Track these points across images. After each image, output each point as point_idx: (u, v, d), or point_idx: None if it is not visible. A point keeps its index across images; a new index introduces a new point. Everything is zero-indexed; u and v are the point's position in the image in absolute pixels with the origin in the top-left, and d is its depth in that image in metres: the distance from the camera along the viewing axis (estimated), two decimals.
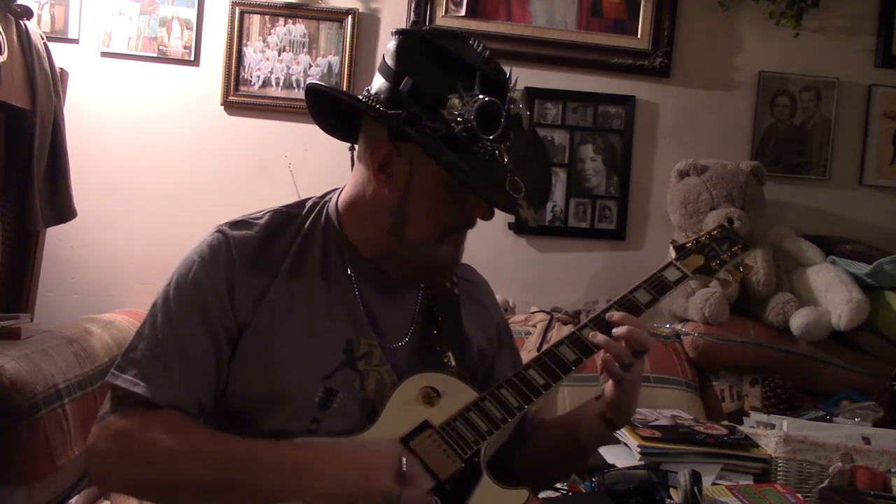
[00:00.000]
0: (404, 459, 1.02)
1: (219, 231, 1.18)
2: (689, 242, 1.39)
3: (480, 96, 1.08)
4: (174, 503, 1.09)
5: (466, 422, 1.11)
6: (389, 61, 1.14)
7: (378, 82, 1.15)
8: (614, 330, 1.18)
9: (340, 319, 1.17)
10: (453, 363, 1.20)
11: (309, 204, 1.26)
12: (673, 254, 1.37)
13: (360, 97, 1.16)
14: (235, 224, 1.19)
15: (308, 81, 1.17)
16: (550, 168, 1.27)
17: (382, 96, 1.12)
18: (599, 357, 1.19)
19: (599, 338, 1.18)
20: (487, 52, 1.14)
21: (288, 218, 1.22)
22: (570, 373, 1.18)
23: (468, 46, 1.14)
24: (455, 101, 1.08)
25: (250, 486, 1.02)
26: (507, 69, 1.16)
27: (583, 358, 1.19)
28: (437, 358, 1.21)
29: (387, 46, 1.16)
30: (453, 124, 1.07)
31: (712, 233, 1.42)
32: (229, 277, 1.13)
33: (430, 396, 1.13)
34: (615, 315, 1.20)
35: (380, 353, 1.17)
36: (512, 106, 1.12)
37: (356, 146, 1.22)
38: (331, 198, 1.26)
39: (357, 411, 1.13)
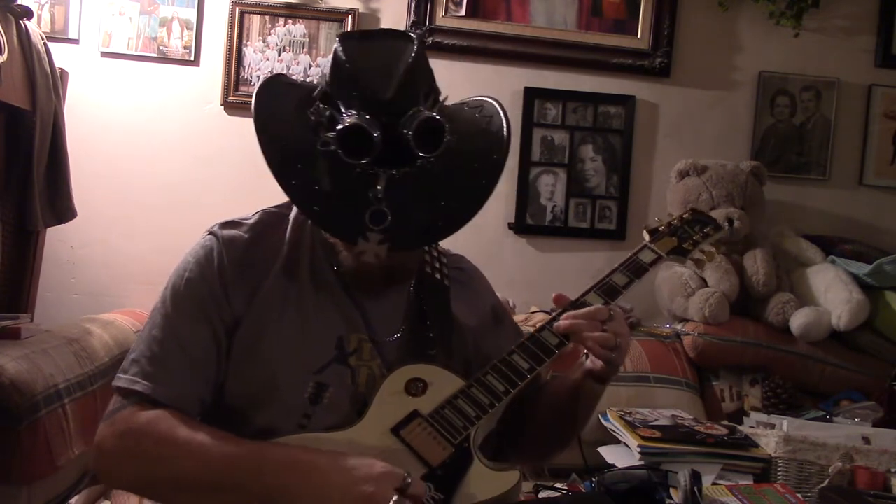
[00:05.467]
0: (407, 474, 1.02)
1: (210, 233, 1.21)
2: (661, 226, 1.43)
3: (348, 118, 1.06)
4: (176, 501, 1.10)
5: (455, 409, 1.13)
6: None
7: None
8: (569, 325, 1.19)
9: (331, 316, 1.19)
10: (441, 354, 1.22)
11: None
12: (647, 237, 1.40)
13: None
14: (226, 224, 1.22)
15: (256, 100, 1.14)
16: (467, 207, 1.12)
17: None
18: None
19: (562, 325, 1.19)
20: (406, 65, 1.09)
21: (277, 218, 1.25)
22: (554, 356, 1.19)
23: (379, 56, 1.11)
24: (333, 117, 1.09)
25: (248, 488, 1.02)
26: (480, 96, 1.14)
27: (565, 342, 1.20)
28: (426, 350, 1.22)
29: None
30: (323, 145, 1.07)
31: (683, 216, 1.46)
32: (222, 275, 1.16)
33: (418, 387, 1.15)
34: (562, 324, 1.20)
35: (370, 348, 1.19)
36: (406, 129, 1.06)
37: None
38: None
39: (348, 406, 1.15)
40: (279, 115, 1.15)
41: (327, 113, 1.10)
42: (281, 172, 1.08)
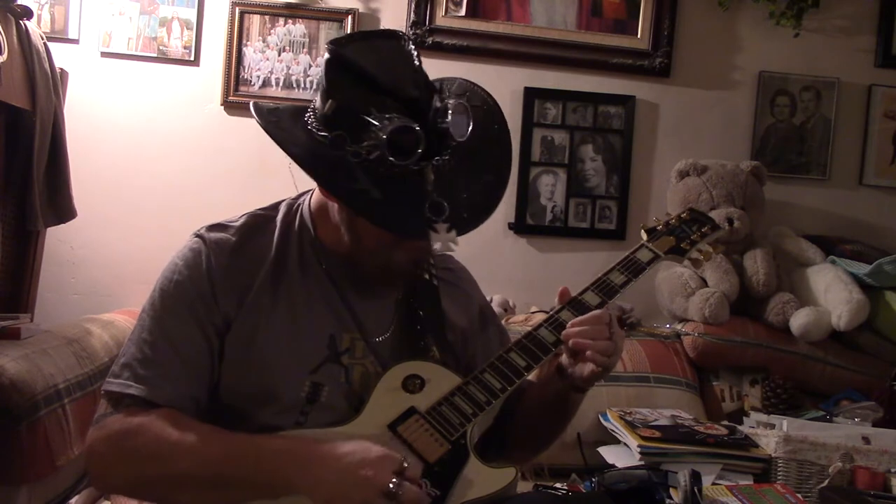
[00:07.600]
0: (406, 458, 1.03)
1: (197, 236, 1.21)
2: (659, 226, 1.43)
3: (389, 121, 1.05)
4: (174, 500, 1.10)
5: (452, 406, 1.14)
6: (322, 78, 1.13)
7: (316, 98, 1.15)
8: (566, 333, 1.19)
9: (322, 315, 1.19)
10: (435, 351, 1.23)
11: (283, 206, 1.28)
12: (644, 236, 1.40)
13: (307, 110, 1.16)
14: (213, 227, 1.23)
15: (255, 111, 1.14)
16: (499, 175, 1.19)
17: (318, 114, 1.12)
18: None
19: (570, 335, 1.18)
20: (414, 61, 1.11)
21: (264, 220, 1.25)
22: (550, 354, 1.20)
23: (390, 57, 1.11)
24: (362, 124, 1.07)
25: (247, 479, 1.03)
26: (440, 78, 1.14)
27: (561, 340, 1.20)
28: (419, 347, 1.23)
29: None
30: (363, 153, 1.06)
31: (681, 216, 1.46)
32: (210, 278, 1.16)
33: (416, 384, 1.16)
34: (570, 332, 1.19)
35: (363, 346, 1.20)
36: (440, 119, 1.08)
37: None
38: (304, 199, 1.28)
39: (344, 404, 1.16)
40: (290, 135, 1.14)
41: (350, 122, 1.07)
42: (329, 183, 1.10)
